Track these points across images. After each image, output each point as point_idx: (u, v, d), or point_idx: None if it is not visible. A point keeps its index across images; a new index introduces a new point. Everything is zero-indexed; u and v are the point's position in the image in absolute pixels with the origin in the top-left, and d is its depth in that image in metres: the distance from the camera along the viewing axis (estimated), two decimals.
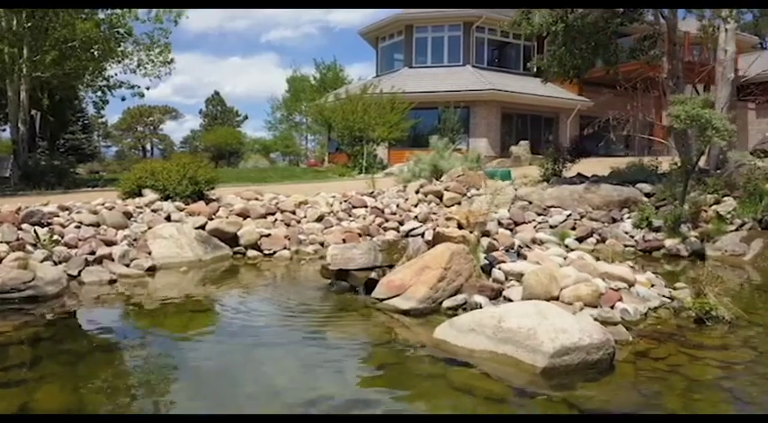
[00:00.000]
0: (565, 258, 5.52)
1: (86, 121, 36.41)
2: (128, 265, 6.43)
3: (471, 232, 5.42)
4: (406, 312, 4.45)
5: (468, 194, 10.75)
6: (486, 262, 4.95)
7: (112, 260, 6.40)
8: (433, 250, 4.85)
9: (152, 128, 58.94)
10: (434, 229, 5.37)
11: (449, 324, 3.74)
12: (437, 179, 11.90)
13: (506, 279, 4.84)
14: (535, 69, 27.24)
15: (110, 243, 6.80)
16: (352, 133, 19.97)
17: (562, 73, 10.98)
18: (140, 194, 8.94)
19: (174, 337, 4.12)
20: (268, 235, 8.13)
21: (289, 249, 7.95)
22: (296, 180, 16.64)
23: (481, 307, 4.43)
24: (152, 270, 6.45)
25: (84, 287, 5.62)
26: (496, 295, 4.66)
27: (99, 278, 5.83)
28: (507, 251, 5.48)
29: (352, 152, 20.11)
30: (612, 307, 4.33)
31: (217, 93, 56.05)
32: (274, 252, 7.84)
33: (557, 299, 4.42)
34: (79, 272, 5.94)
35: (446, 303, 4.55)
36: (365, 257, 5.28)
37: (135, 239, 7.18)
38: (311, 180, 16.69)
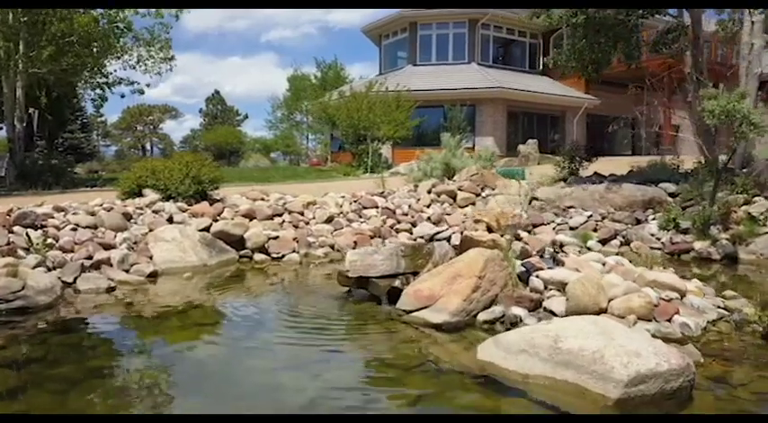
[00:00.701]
0: (604, 264, 5.07)
1: (85, 120, 35.95)
2: (127, 271, 5.97)
3: (502, 236, 4.97)
4: (437, 326, 3.99)
5: (483, 194, 10.30)
6: (523, 269, 4.49)
7: (111, 265, 5.94)
8: (465, 256, 4.40)
9: (151, 127, 58.45)
10: (462, 233, 4.91)
11: (494, 343, 3.28)
12: (449, 178, 11.46)
13: (545, 288, 4.38)
14: (542, 67, 26.89)
15: (108, 247, 6.34)
16: (356, 132, 19.50)
17: (580, 68, 10.53)
18: (141, 194, 8.47)
19: (179, 357, 3.65)
20: (276, 237, 7.68)
21: (298, 252, 7.51)
22: (300, 179, 16.20)
23: (521, 320, 3.99)
24: (153, 276, 5.99)
25: (79, 296, 5.15)
26: (536, 306, 4.20)
27: (96, 286, 5.36)
28: (541, 256, 5.02)
29: (357, 151, 19.64)
30: (670, 320, 3.87)
31: (217, 91, 55.59)
32: (283, 255, 7.40)
33: (605, 311, 3.97)
34: (75, 279, 5.47)
35: (481, 316, 4.09)
36: (387, 264, 4.82)
37: (135, 243, 6.72)
38: (315, 179, 16.25)
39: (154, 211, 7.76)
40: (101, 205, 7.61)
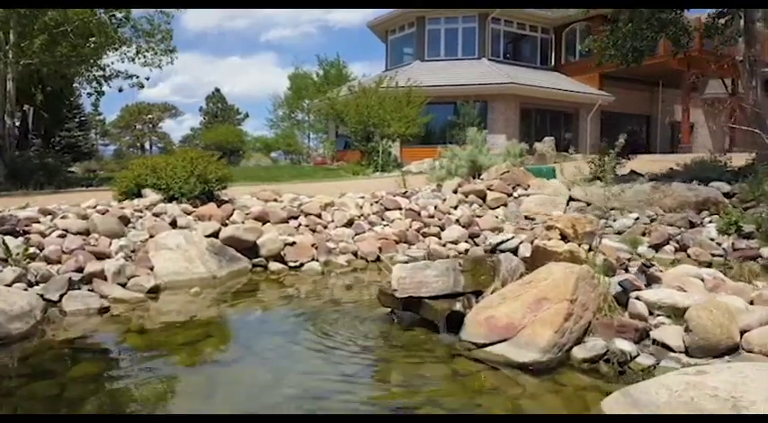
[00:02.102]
0: (702, 280, 4.17)
1: (83, 118, 35.01)
2: (124, 285, 5.08)
3: (579, 245, 4.08)
4: (523, 367, 3.09)
5: (515, 194, 9.43)
6: (620, 289, 3.58)
7: (105, 279, 5.04)
8: (548, 273, 3.49)
9: (151, 126, 57.45)
10: (532, 243, 4.01)
11: (628, 402, 2.37)
12: (474, 177, 10.57)
13: (650, 314, 3.48)
14: (554, 63, 25.96)
15: (102, 256, 5.43)
16: (366, 129, 18.57)
17: (619, 56, 9.62)
18: (140, 195, 7.55)
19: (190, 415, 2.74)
20: (293, 243, 6.79)
21: (317, 261, 6.64)
22: (308, 179, 15.28)
23: (632, 358, 3.09)
24: (155, 291, 5.10)
25: (65, 319, 4.24)
26: (641, 337, 3.30)
27: (86, 305, 4.45)
28: (626, 270, 4.13)
29: (366, 149, 18.71)
30: None
31: (217, 90, 54.51)
32: (301, 264, 6.53)
33: (737, 347, 3.09)
34: (60, 296, 4.57)
35: (578, 353, 3.18)
36: (442, 281, 3.92)
37: (133, 251, 5.82)
38: (323, 179, 15.34)
39: (154, 214, 6.85)
40: (94, 207, 6.72)
